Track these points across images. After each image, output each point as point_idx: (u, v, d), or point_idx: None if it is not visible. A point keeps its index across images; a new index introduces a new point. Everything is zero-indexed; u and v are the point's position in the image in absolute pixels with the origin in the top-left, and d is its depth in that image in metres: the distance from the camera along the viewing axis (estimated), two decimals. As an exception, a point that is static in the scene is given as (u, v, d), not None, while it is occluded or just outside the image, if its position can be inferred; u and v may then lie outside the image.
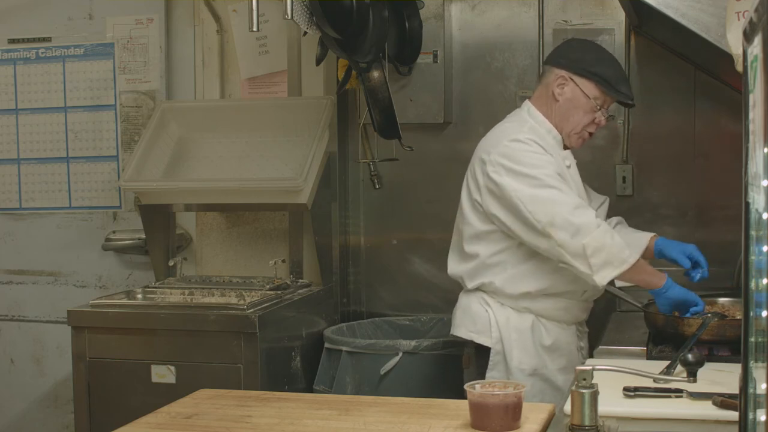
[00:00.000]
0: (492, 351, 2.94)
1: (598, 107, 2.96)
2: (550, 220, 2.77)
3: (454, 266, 3.05)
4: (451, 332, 3.08)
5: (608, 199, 3.33)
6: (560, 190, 2.82)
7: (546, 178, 2.82)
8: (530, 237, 2.84)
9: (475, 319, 2.97)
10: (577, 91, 2.95)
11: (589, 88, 2.94)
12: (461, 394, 2.16)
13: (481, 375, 2.94)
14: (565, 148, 3.05)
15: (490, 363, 2.94)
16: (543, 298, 2.95)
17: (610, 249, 2.77)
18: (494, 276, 2.93)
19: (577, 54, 2.99)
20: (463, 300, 3.05)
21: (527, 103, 3.06)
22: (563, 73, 2.95)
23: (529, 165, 2.84)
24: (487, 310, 2.96)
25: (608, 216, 3.26)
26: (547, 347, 2.96)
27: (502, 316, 2.95)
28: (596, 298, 3.09)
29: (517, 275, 2.92)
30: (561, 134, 3.01)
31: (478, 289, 2.99)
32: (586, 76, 2.94)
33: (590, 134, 3.03)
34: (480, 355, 2.98)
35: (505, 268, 2.92)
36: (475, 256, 2.95)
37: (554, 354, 2.98)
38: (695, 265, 2.98)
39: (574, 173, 3.05)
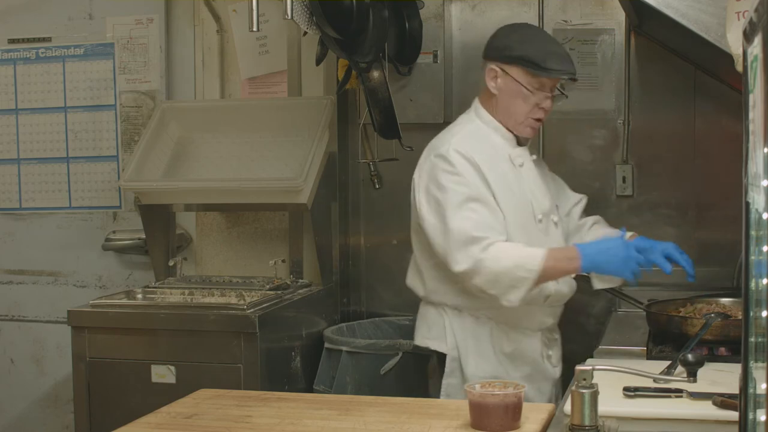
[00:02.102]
0: (448, 357, 2.86)
1: (535, 91, 2.81)
2: (443, 255, 2.74)
3: (410, 276, 3.01)
4: (413, 343, 3.02)
5: (585, 198, 3.26)
6: (453, 224, 2.70)
7: (447, 206, 2.72)
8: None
9: (430, 326, 2.91)
10: (508, 80, 2.81)
11: (518, 73, 2.80)
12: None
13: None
14: (519, 143, 2.94)
15: (446, 370, 2.86)
16: (497, 306, 2.79)
17: (506, 275, 2.68)
18: (445, 295, 2.86)
19: (501, 41, 2.86)
20: (422, 308, 2.99)
21: (476, 102, 2.95)
22: (493, 65, 2.84)
23: (440, 187, 2.75)
24: (442, 316, 2.88)
25: (588, 214, 3.22)
26: (507, 354, 2.87)
27: (458, 322, 2.86)
28: (565, 302, 3.01)
29: (463, 289, 2.80)
30: (509, 129, 2.88)
31: (429, 301, 2.94)
32: (512, 62, 2.80)
33: (539, 120, 2.89)
34: (441, 362, 2.90)
35: (447, 281, 2.83)
36: (424, 268, 2.90)
37: (517, 361, 2.89)
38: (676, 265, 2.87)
39: (528, 172, 2.91)
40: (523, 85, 2.81)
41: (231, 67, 4.19)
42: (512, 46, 2.83)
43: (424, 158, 2.88)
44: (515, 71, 2.81)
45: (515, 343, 2.89)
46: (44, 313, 4.47)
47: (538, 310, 2.89)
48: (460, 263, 2.69)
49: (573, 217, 3.17)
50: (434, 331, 2.90)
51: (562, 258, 2.77)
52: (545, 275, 2.72)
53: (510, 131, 2.90)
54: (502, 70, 2.82)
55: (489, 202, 2.77)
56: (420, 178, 2.84)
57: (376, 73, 3.63)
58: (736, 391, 1.47)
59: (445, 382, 2.88)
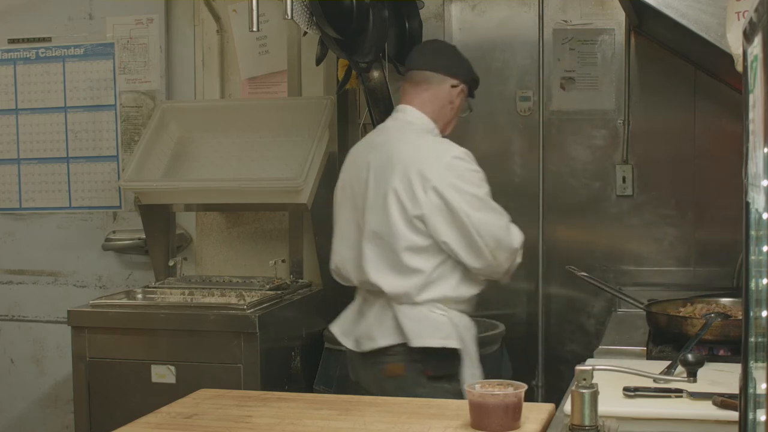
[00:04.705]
0: (462, 351, 2.96)
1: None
2: (496, 244, 2.93)
3: (395, 283, 2.95)
4: (413, 345, 2.94)
5: None
6: (496, 210, 2.97)
7: (487, 199, 2.96)
8: (471, 257, 2.93)
9: (438, 327, 2.95)
10: (462, 98, 3.13)
11: (466, 92, 3.15)
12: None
13: (450, 379, 2.96)
14: None
15: (463, 362, 2.96)
16: (473, 299, 3.06)
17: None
18: (443, 288, 2.96)
19: (464, 63, 3.18)
20: (411, 311, 2.96)
21: (414, 111, 3.07)
22: (457, 82, 3.10)
23: (475, 184, 2.94)
24: (443, 315, 2.96)
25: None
26: (473, 339, 3.07)
27: (456, 317, 2.99)
28: None
29: (459, 283, 2.97)
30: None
31: (424, 302, 2.97)
32: (470, 83, 3.16)
33: None
34: (431, 359, 2.95)
35: (447, 279, 2.95)
36: (419, 272, 2.93)
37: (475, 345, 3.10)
38: None
39: None
40: (467, 102, 3.17)
41: (231, 67, 4.19)
42: (470, 68, 3.19)
43: (430, 163, 2.92)
44: (466, 90, 3.15)
45: (473, 330, 3.08)
46: (44, 313, 4.47)
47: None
48: (514, 241, 2.99)
49: None
50: (443, 330, 2.95)
51: None
52: None
53: None
54: (461, 87, 3.12)
55: None
56: (443, 182, 2.90)
57: (376, 73, 3.63)
58: (736, 391, 1.47)
59: (464, 375, 2.96)
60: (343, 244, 3.12)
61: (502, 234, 2.94)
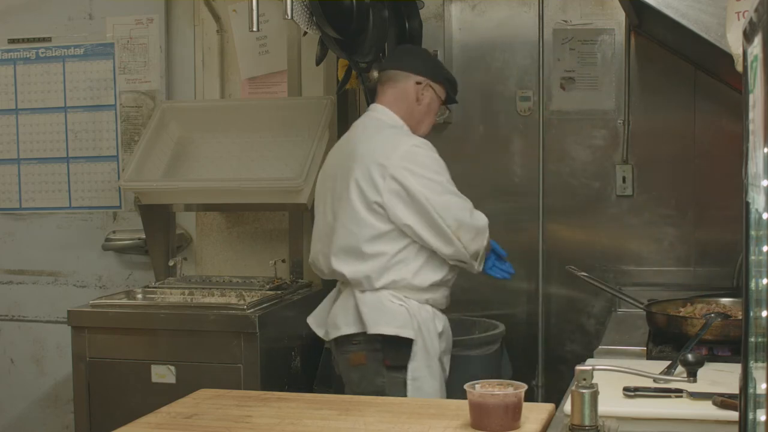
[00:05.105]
0: (414, 342, 3.02)
1: (440, 107, 3.28)
2: (458, 225, 3.00)
3: (355, 267, 3.04)
4: (369, 332, 3.02)
5: None
6: (458, 195, 3.05)
7: (448, 184, 3.04)
8: (437, 241, 3.01)
9: (394, 315, 3.03)
10: (433, 96, 3.19)
11: (441, 92, 3.21)
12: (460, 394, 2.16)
13: (400, 368, 3.02)
14: None
15: (414, 354, 3.02)
16: (438, 288, 3.10)
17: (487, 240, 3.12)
18: (403, 272, 3.04)
19: (430, 62, 3.29)
20: (370, 298, 3.04)
21: (383, 109, 3.17)
22: (422, 79, 3.17)
23: (433, 170, 3.02)
24: (401, 305, 3.04)
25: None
26: (439, 333, 3.11)
27: (414, 308, 3.05)
28: None
29: (421, 268, 3.05)
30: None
31: (383, 287, 3.04)
32: (441, 81, 3.21)
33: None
34: (390, 348, 3.02)
35: (408, 263, 3.04)
36: (380, 255, 3.02)
37: (441, 338, 3.13)
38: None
39: None
40: (442, 101, 3.23)
41: (231, 67, 4.19)
42: (440, 67, 3.30)
43: (388, 153, 3.00)
44: (440, 89, 3.21)
45: (442, 322, 3.14)
46: (44, 313, 4.47)
47: (449, 292, 3.20)
48: (476, 222, 3.04)
49: None
50: (400, 319, 3.03)
51: None
52: None
53: None
54: (430, 85, 3.18)
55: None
56: (399, 168, 2.98)
57: (376, 73, 3.63)
58: (736, 391, 1.47)
59: (412, 365, 3.03)
60: (317, 237, 3.20)
61: (463, 215, 3.01)
